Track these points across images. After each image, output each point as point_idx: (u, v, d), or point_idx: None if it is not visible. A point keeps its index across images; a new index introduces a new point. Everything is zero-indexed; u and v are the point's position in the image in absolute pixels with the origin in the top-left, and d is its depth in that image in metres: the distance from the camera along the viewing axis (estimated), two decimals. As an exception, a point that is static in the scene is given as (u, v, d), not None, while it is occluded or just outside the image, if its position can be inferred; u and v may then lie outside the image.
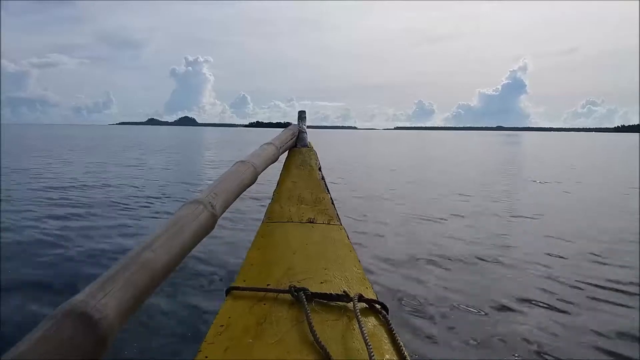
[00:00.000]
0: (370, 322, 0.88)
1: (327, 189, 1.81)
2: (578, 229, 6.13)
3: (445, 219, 6.57)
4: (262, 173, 1.46)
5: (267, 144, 1.76)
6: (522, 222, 6.65)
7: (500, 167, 16.71)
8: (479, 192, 9.55)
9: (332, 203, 1.68)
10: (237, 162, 1.32)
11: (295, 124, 2.41)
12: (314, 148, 2.28)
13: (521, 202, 8.68)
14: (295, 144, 2.28)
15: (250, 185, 1.30)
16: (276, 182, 1.89)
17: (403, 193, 9.30)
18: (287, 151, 2.16)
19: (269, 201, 1.72)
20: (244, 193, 1.25)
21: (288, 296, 0.95)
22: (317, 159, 2.11)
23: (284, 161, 2.09)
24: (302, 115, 2.48)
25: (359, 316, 0.84)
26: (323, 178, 1.91)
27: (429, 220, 6.53)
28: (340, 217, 1.58)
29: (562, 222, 6.62)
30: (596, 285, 3.92)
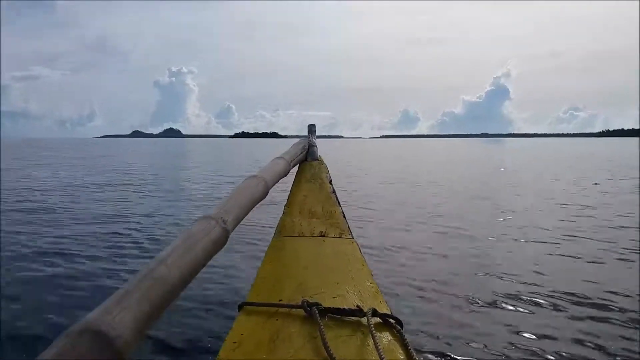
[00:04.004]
0: (385, 337, 0.87)
1: (339, 203, 1.80)
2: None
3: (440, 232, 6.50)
4: (273, 187, 1.46)
5: (278, 158, 1.77)
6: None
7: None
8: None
9: (344, 216, 1.68)
10: (249, 176, 1.32)
11: (305, 138, 2.42)
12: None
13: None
14: (306, 157, 2.29)
15: (262, 200, 1.30)
16: (287, 195, 1.89)
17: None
18: (297, 165, 2.16)
19: (279, 215, 1.72)
20: (255, 207, 1.25)
21: (301, 311, 0.94)
22: (327, 172, 2.11)
23: (294, 175, 2.09)
24: (312, 129, 2.50)
25: (373, 331, 0.83)
26: (334, 191, 1.91)
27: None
28: (352, 230, 1.57)
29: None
30: None
